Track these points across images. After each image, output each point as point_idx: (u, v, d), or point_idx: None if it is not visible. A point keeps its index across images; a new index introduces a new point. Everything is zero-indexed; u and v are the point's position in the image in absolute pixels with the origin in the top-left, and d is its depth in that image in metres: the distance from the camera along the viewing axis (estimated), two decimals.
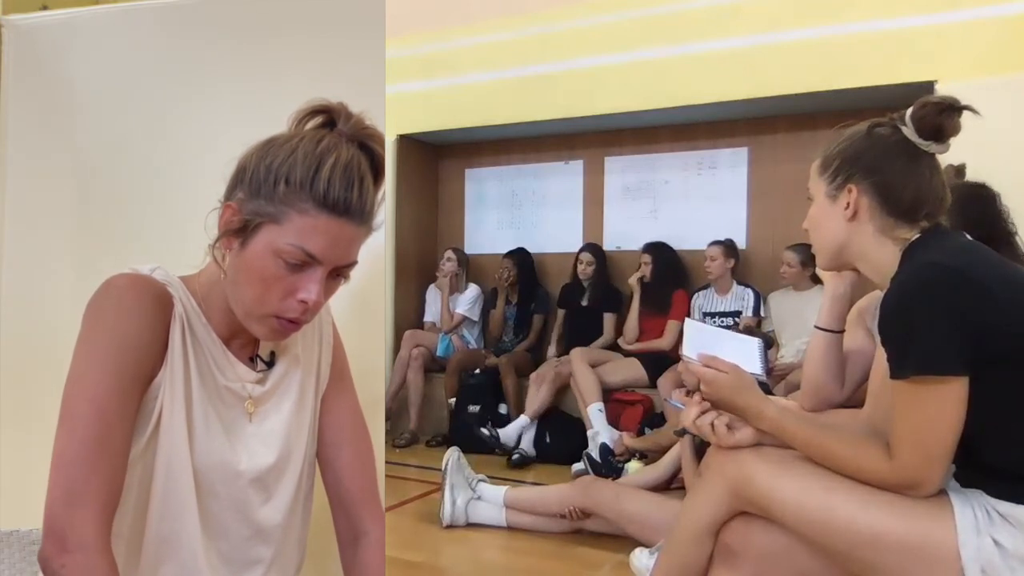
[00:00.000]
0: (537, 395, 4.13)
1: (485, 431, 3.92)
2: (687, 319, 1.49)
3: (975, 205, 1.71)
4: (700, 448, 2.59)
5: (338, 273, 1.02)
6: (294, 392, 1.16)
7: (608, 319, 4.52)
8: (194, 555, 1.03)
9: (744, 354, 1.41)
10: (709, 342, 1.43)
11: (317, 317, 1.18)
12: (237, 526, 1.09)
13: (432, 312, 5.04)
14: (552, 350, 4.54)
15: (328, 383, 1.22)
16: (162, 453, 1.01)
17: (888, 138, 1.29)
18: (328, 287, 1.02)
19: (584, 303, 4.61)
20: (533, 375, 4.27)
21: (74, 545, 0.89)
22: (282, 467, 1.13)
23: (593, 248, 4.65)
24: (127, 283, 0.99)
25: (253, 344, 1.14)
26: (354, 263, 1.03)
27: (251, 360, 1.13)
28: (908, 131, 1.27)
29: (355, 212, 0.99)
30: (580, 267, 4.58)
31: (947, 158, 1.34)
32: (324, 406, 1.21)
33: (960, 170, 1.66)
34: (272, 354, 1.15)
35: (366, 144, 1.03)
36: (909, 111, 1.28)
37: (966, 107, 1.25)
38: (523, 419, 4.06)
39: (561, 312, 4.70)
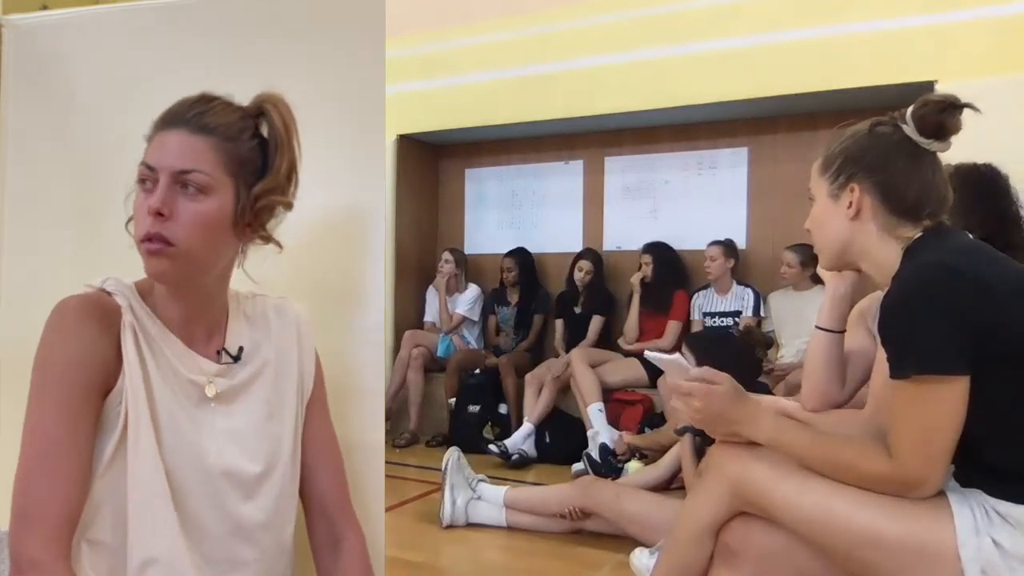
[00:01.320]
0: (539, 399, 4.13)
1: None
2: (647, 353, 1.50)
3: (980, 183, 1.72)
4: (700, 448, 2.59)
5: (181, 183, 1.03)
6: (266, 394, 1.17)
7: (595, 321, 4.51)
8: (178, 556, 1.04)
9: (681, 370, 1.42)
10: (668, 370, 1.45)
11: (294, 327, 1.22)
12: (215, 523, 1.09)
13: (432, 312, 5.03)
14: (562, 355, 4.49)
15: (314, 394, 1.24)
16: (132, 455, 1.03)
17: (890, 137, 1.29)
18: (182, 205, 1.03)
19: (578, 309, 4.60)
20: (528, 376, 4.27)
21: (27, 566, 0.93)
22: (264, 471, 1.14)
23: (592, 254, 4.63)
24: (71, 306, 1.03)
25: (219, 338, 1.16)
26: (196, 171, 1.03)
27: (218, 353, 1.15)
28: (909, 130, 1.27)
29: (184, 121, 1.04)
30: (578, 275, 4.56)
31: (947, 157, 1.34)
32: (311, 413, 1.24)
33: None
34: (240, 349, 1.16)
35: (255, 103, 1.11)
36: (910, 110, 1.28)
37: (967, 105, 1.24)
38: (528, 426, 4.06)
39: (560, 322, 4.69)
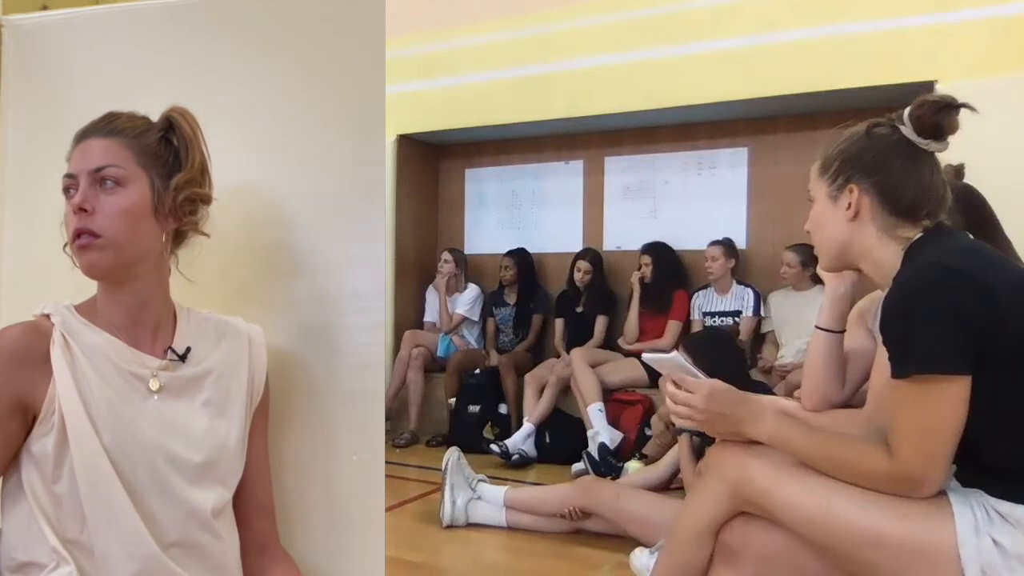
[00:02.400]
0: (540, 400, 4.13)
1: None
2: (644, 356, 1.50)
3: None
4: (700, 448, 2.60)
5: (99, 180, 1.13)
6: (211, 394, 1.22)
7: (600, 321, 4.50)
8: (142, 539, 1.09)
9: (681, 368, 1.43)
10: (666, 371, 1.46)
11: (245, 340, 1.28)
12: (165, 507, 1.13)
13: (432, 312, 5.04)
14: (562, 355, 4.48)
15: (259, 405, 1.29)
16: (75, 448, 1.08)
17: (887, 138, 1.29)
18: (103, 199, 1.13)
19: (579, 309, 4.59)
20: (528, 376, 4.27)
21: None
22: (206, 461, 1.19)
23: (590, 254, 4.63)
24: (4, 337, 1.11)
25: (166, 339, 1.22)
26: (110, 166, 1.14)
27: (164, 352, 1.20)
28: (907, 130, 1.28)
29: (95, 131, 1.16)
30: (577, 275, 4.55)
31: (947, 158, 1.34)
32: (253, 425, 1.28)
33: (959, 170, 1.65)
34: (188, 349, 1.22)
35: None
36: (907, 110, 1.28)
37: (963, 105, 1.25)
38: (528, 427, 4.06)
39: (560, 321, 4.69)
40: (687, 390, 1.38)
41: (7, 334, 1.12)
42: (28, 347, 1.10)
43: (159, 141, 1.20)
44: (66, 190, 1.15)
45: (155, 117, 1.22)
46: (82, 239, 1.12)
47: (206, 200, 1.24)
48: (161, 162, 1.19)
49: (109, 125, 1.17)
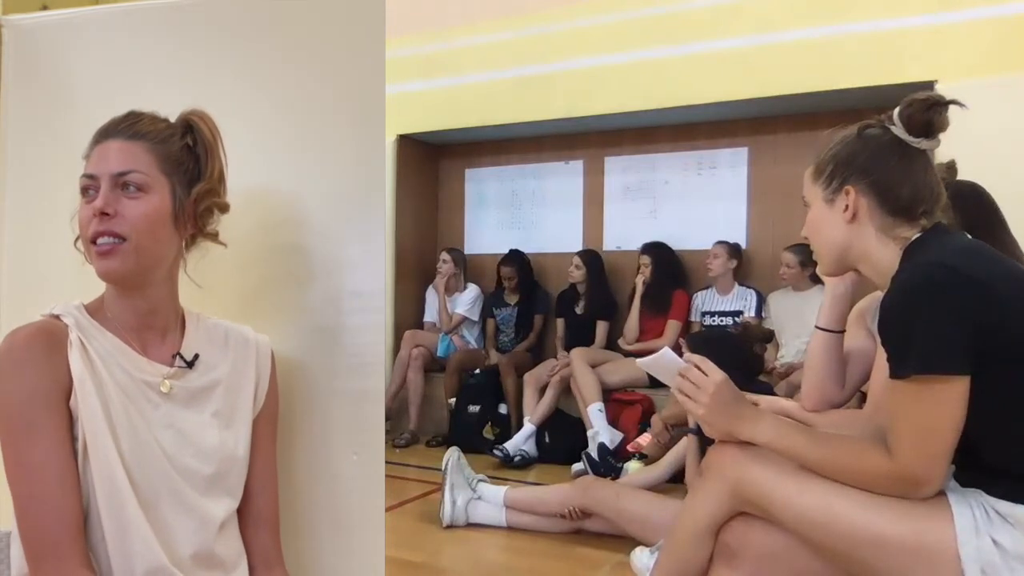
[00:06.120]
0: (542, 400, 4.13)
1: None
2: (639, 362, 1.50)
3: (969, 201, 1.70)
4: (703, 448, 2.59)
5: (121, 184, 1.11)
6: (218, 404, 1.21)
7: (601, 327, 4.51)
8: (152, 553, 1.07)
9: (675, 361, 1.42)
10: (661, 370, 1.45)
11: (253, 350, 1.26)
12: (182, 518, 1.12)
13: (432, 312, 5.04)
14: (561, 355, 4.48)
15: (261, 414, 1.27)
16: (94, 461, 1.06)
17: (879, 138, 1.30)
18: (124, 204, 1.11)
19: (579, 311, 4.60)
20: (527, 376, 4.27)
21: None
22: (216, 472, 1.18)
23: (585, 254, 4.62)
24: (19, 336, 1.08)
25: (174, 343, 1.21)
26: (133, 171, 1.12)
27: (172, 358, 1.19)
28: (898, 130, 1.28)
29: (118, 131, 1.14)
30: (571, 271, 4.56)
31: (948, 157, 1.34)
32: (256, 434, 1.26)
33: (951, 167, 1.65)
34: (196, 356, 1.21)
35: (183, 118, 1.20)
36: (897, 110, 1.29)
37: (952, 101, 1.25)
38: (529, 427, 4.06)
39: (560, 321, 4.69)
40: (704, 372, 1.37)
41: (19, 334, 1.08)
42: (44, 347, 1.07)
43: (181, 148, 1.18)
44: (85, 190, 1.13)
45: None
46: (103, 242, 1.10)
47: (224, 209, 1.23)
48: (183, 169, 1.18)
49: (132, 127, 1.15)
